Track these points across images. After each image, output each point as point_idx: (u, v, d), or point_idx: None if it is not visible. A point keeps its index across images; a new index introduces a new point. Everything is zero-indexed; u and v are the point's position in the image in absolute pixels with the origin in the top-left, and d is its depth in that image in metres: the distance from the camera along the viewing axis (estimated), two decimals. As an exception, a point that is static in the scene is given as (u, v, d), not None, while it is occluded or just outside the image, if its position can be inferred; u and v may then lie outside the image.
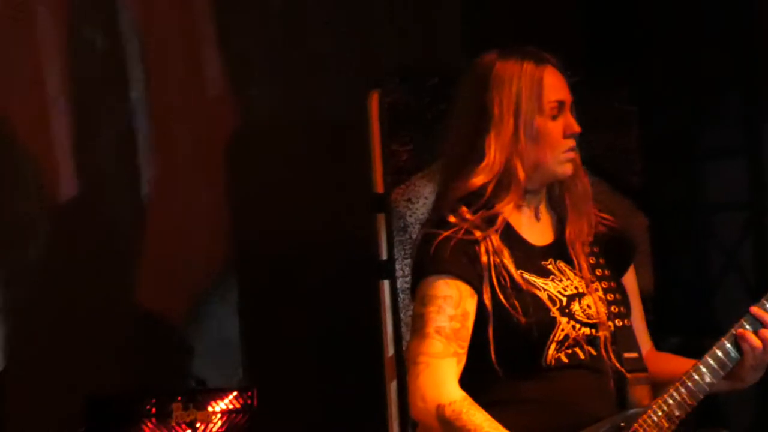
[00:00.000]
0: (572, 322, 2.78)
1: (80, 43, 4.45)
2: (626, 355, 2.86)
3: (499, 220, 2.81)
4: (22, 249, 4.37)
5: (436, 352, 2.73)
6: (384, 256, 4.10)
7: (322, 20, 4.70)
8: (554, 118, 2.84)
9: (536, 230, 2.89)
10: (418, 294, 2.79)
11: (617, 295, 2.88)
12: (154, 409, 3.93)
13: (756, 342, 2.77)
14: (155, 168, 4.53)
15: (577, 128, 2.85)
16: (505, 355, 2.74)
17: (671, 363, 2.92)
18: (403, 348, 3.97)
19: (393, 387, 4.03)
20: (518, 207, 2.87)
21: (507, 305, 2.74)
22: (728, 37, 4.43)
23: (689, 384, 2.77)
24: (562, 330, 2.77)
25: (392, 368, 4.04)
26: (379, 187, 4.11)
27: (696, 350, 2.83)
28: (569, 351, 2.78)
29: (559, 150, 2.84)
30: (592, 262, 2.89)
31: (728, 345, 2.79)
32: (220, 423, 3.95)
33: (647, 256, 4.22)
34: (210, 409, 3.95)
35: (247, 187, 4.61)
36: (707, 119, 4.58)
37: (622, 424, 2.76)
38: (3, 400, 4.20)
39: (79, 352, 4.27)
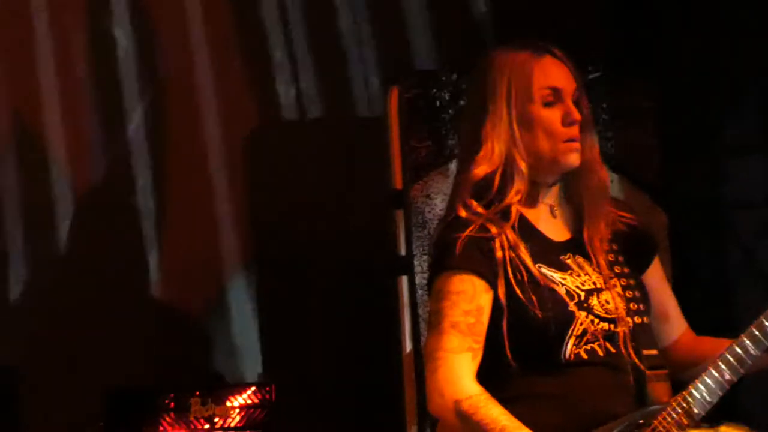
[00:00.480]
0: (590, 317, 2.78)
1: (104, 35, 4.47)
2: (646, 352, 2.86)
3: (513, 214, 2.81)
4: (44, 242, 4.39)
5: (452, 347, 2.73)
6: (402, 251, 4.09)
7: (345, 16, 4.70)
8: (549, 105, 2.83)
9: (554, 226, 2.88)
10: (433, 290, 2.80)
11: (636, 293, 2.88)
12: (172, 404, 3.94)
13: None
14: (179, 161, 4.54)
15: (576, 116, 2.82)
16: (521, 349, 2.74)
17: (711, 344, 2.89)
18: (422, 344, 3.96)
19: (411, 383, 4.03)
20: (534, 202, 2.86)
21: (524, 299, 2.74)
22: (750, 33, 4.41)
23: (709, 381, 2.76)
24: (581, 324, 2.77)
25: (410, 364, 4.03)
26: (398, 183, 4.11)
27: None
28: (588, 347, 2.78)
29: (558, 138, 2.82)
30: (611, 259, 2.88)
31: (747, 341, 2.78)
32: (238, 418, 3.95)
33: (666, 253, 4.21)
34: (228, 404, 3.96)
35: (269, 181, 4.61)
36: (727, 116, 4.56)
37: (642, 421, 2.75)
38: (23, 394, 4.22)
39: (98, 347, 4.28)
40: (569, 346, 2.76)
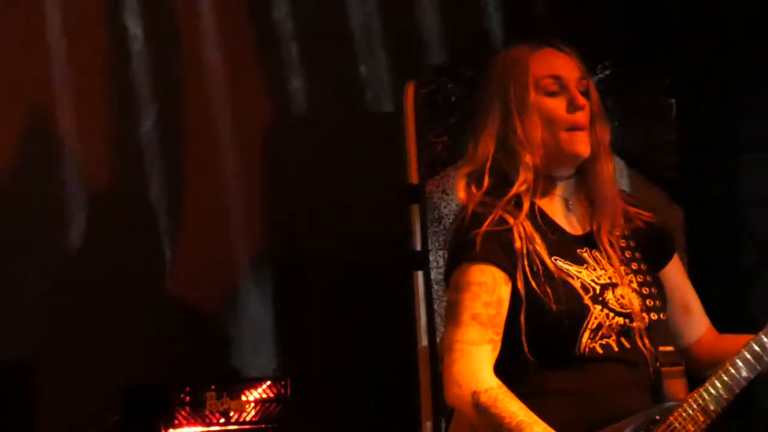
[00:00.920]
0: (605, 311, 2.77)
1: (120, 33, 4.48)
2: (662, 348, 2.85)
3: (526, 204, 2.80)
4: (59, 238, 4.40)
5: (472, 339, 2.72)
6: (418, 246, 4.10)
7: (360, 11, 4.70)
8: (553, 95, 2.83)
9: (570, 219, 2.88)
10: (452, 281, 2.79)
11: (653, 289, 2.87)
12: (188, 398, 3.95)
13: None
14: (192, 158, 4.55)
15: (580, 100, 2.81)
16: (537, 343, 2.73)
17: (734, 341, 2.88)
18: (437, 339, 3.96)
19: (426, 378, 4.03)
20: (551, 195, 2.86)
21: (539, 292, 2.74)
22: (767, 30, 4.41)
23: (725, 378, 2.75)
24: (595, 318, 2.76)
25: (425, 358, 4.03)
26: (414, 178, 4.11)
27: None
28: (603, 342, 2.77)
29: (561, 126, 2.82)
30: (628, 255, 2.88)
31: (765, 339, 2.77)
32: (253, 412, 3.96)
33: (682, 250, 4.21)
34: (243, 398, 3.96)
35: (283, 177, 4.62)
36: (745, 113, 4.55)
37: (657, 417, 2.75)
38: (39, 389, 4.23)
39: (114, 341, 4.30)
40: (584, 339, 2.75)
